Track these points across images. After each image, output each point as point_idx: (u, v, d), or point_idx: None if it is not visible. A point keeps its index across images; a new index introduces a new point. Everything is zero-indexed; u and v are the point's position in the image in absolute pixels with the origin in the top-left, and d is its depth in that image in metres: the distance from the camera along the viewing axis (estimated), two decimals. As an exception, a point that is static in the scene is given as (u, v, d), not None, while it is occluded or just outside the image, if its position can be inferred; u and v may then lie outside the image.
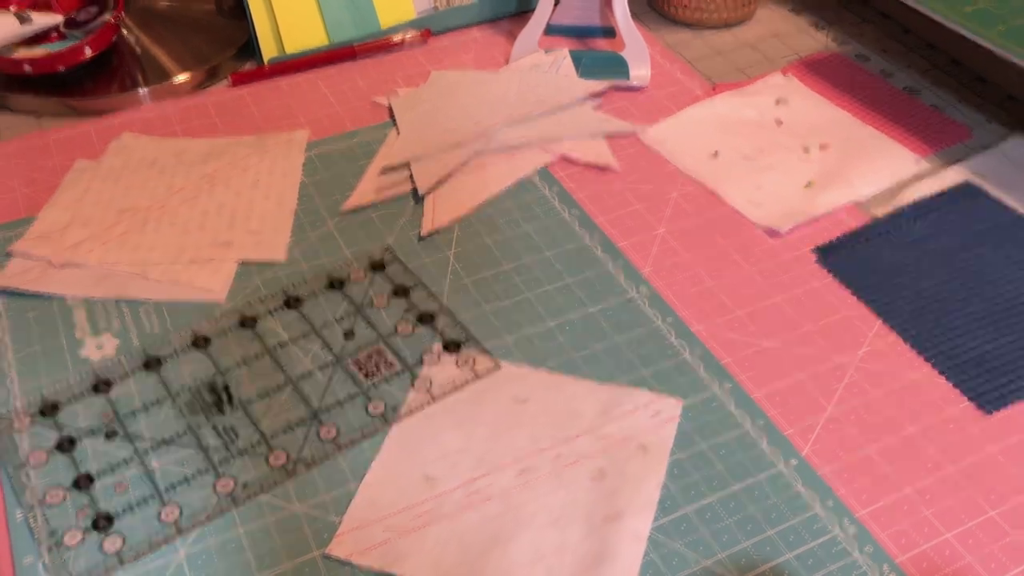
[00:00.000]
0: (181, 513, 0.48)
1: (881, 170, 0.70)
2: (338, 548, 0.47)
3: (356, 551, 0.47)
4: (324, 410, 0.53)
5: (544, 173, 0.70)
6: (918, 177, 0.70)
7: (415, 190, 0.68)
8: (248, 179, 0.68)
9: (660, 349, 0.57)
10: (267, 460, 0.51)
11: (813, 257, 0.64)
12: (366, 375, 0.55)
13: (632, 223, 0.66)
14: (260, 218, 0.65)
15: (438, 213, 0.66)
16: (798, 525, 0.48)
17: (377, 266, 0.61)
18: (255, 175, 0.69)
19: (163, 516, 0.48)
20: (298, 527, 0.48)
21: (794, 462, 0.51)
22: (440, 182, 0.68)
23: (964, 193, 0.68)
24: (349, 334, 0.57)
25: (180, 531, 0.48)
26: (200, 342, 0.57)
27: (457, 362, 0.56)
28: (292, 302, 0.59)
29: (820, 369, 0.56)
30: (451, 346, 0.56)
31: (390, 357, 0.56)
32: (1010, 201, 0.67)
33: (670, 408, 0.54)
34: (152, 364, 0.56)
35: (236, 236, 0.64)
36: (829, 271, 0.63)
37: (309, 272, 0.62)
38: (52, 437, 0.52)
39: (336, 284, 0.60)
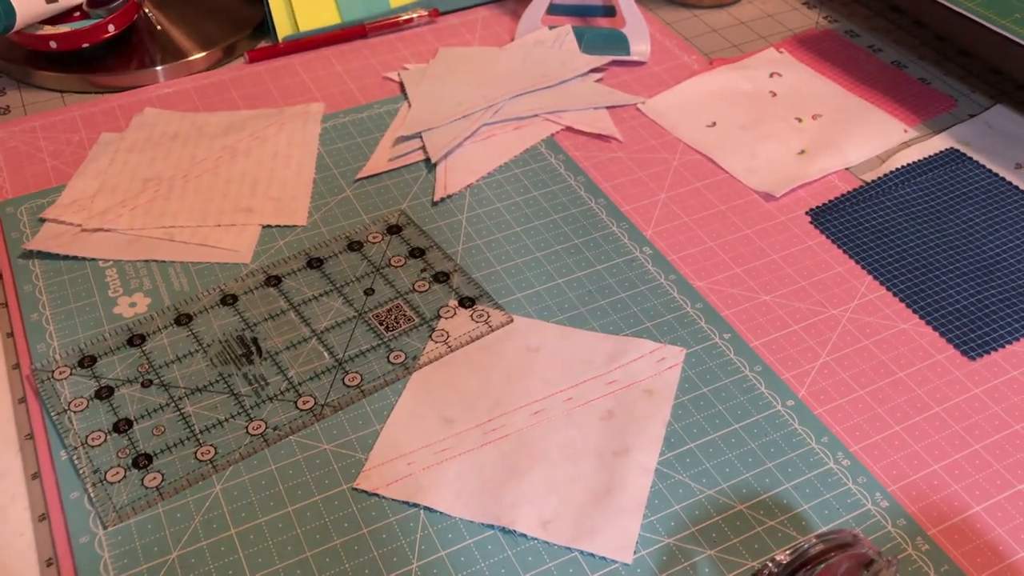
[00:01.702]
0: (216, 452, 0.51)
1: (871, 138, 0.73)
2: (365, 482, 0.50)
3: (382, 484, 0.50)
4: (348, 359, 0.56)
5: (550, 142, 0.73)
6: (906, 144, 0.73)
7: (427, 159, 0.71)
8: (267, 149, 0.71)
9: (663, 303, 0.60)
10: (296, 404, 0.54)
11: (807, 219, 0.67)
12: (386, 328, 0.58)
13: (635, 189, 0.69)
14: (280, 185, 0.68)
15: (450, 180, 0.69)
16: (796, 459, 0.52)
17: (394, 229, 0.64)
18: (274, 146, 0.72)
19: (199, 455, 0.51)
20: (327, 464, 0.51)
21: (791, 403, 0.54)
22: (450, 151, 0.71)
23: (949, 158, 0.72)
24: (369, 291, 0.60)
25: (216, 468, 0.51)
26: (228, 299, 0.60)
27: (472, 316, 0.59)
28: (314, 263, 0.62)
29: (814, 320, 0.60)
30: (466, 302, 0.60)
31: (408, 312, 0.59)
32: (993, 165, 0.71)
33: (673, 356, 0.57)
34: (183, 320, 0.59)
35: (258, 202, 0.67)
36: (822, 231, 0.66)
37: (329, 235, 0.65)
38: (91, 386, 0.55)
39: (355, 246, 0.63)
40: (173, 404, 0.54)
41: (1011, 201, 0.68)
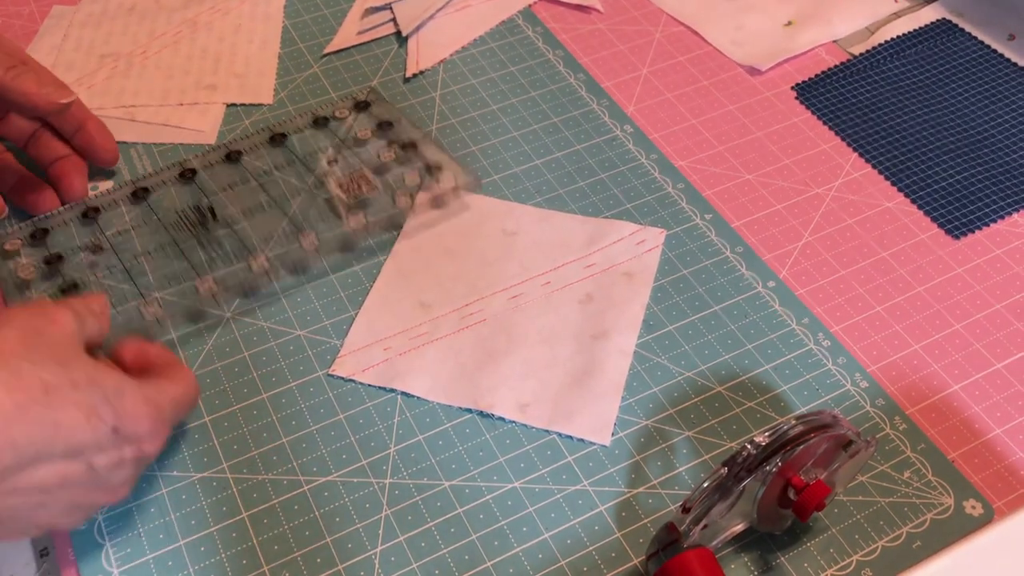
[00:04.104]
0: (161, 308, 0.50)
1: (860, 9, 0.71)
2: (340, 368, 0.49)
3: (357, 370, 0.49)
4: (306, 221, 0.54)
5: (527, 14, 0.70)
6: (896, 15, 0.71)
7: (399, 32, 0.68)
8: (230, 23, 0.68)
9: (644, 184, 0.59)
10: (250, 266, 0.52)
11: (792, 94, 0.65)
12: (350, 195, 0.56)
13: (616, 63, 0.67)
14: (244, 61, 0.65)
15: (422, 55, 0.66)
16: (776, 340, 0.51)
17: (362, 105, 0.62)
18: (236, 19, 0.68)
19: (145, 314, 0.50)
20: (301, 350, 0.50)
21: (772, 284, 0.54)
22: (423, 23, 0.68)
23: (940, 30, 0.69)
24: (332, 162, 0.58)
25: (160, 326, 0.50)
26: (187, 174, 0.57)
27: (438, 179, 0.56)
28: (278, 138, 0.59)
29: (798, 199, 0.58)
30: (434, 169, 0.57)
31: (372, 179, 0.57)
32: (985, 36, 0.69)
33: (653, 238, 0.56)
34: (140, 194, 0.56)
35: (221, 79, 0.64)
36: (808, 107, 0.64)
37: (296, 113, 0.62)
38: (41, 256, 0.53)
39: (321, 121, 0.60)
40: (122, 266, 0.52)
41: (1002, 75, 0.66)
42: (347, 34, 0.67)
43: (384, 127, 0.59)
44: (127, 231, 0.54)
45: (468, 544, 0.44)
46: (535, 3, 0.71)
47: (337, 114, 0.60)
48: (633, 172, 0.59)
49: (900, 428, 0.48)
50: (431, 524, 0.44)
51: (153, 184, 0.57)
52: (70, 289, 0.51)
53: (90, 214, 0.55)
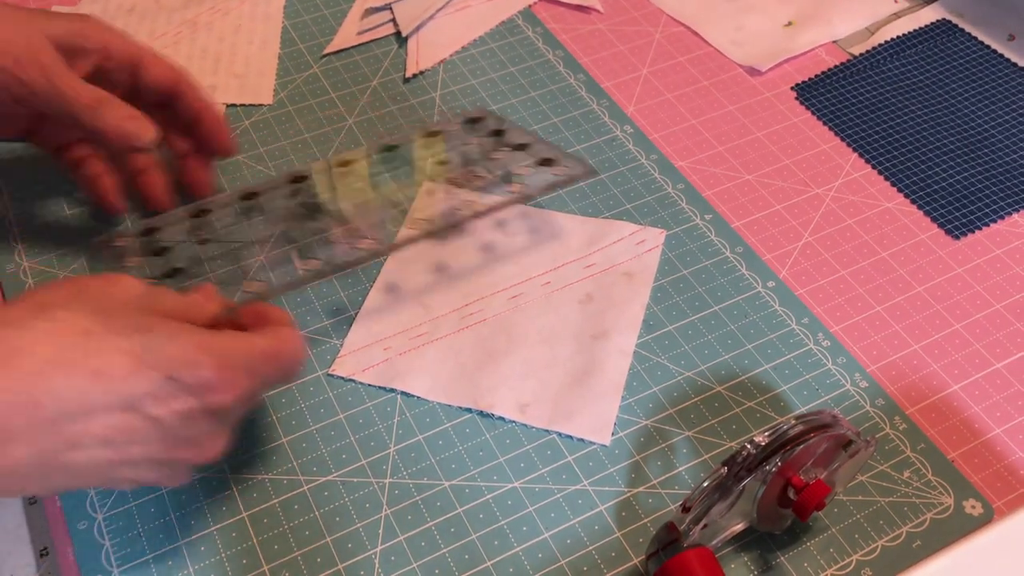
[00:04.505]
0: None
1: (860, 9, 0.71)
2: (340, 367, 0.49)
3: (357, 370, 0.49)
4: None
5: (527, 14, 0.70)
6: (896, 16, 0.71)
7: (398, 32, 0.68)
8: (229, 23, 0.68)
9: (644, 184, 0.59)
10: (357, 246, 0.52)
11: (792, 95, 0.65)
12: (460, 185, 0.56)
13: (616, 64, 0.67)
14: (244, 62, 0.65)
15: (422, 55, 0.66)
16: (776, 340, 0.51)
17: (473, 121, 0.60)
18: (236, 19, 0.68)
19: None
20: (301, 350, 0.50)
21: (772, 284, 0.54)
22: (423, 23, 0.68)
23: (940, 30, 0.69)
24: (442, 163, 0.58)
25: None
26: (298, 179, 0.55)
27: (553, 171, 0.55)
28: (390, 149, 0.59)
29: (798, 200, 0.58)
30: (547, 162, 0.55)
31: (483, 172, 0.56)
32: (985, 37, 0.69)
33: (653, 238, 0.56)
34: (250, 197, 0.54)
35: (221, 80, 0.64)
36: (807, 107, 0.64)
37: (296, 115, 0.62)
38: (149, 249, 0.53)
39: (433, 135, 0.59)
40: (231, 253, 0.53)
41: (1002, 75, 0.66)
42: (347, 34, 0.67)
43: (495, 134, 0.59)
44: (236, 224, 0.54)
45: (468, 544, 0.44)
46: (535, 3, 0.71)
47: (449, 127, 0.60)
48: (633, 172, 0.59)
49: (900, 428, 0.48)
50: (431, 524, 0.44)
51: (263, 188, 0.55)
52: (173, 274, 0.51)
53: (199, 214, 0.54)
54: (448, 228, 0.54)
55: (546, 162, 0.55)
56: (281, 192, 0.55)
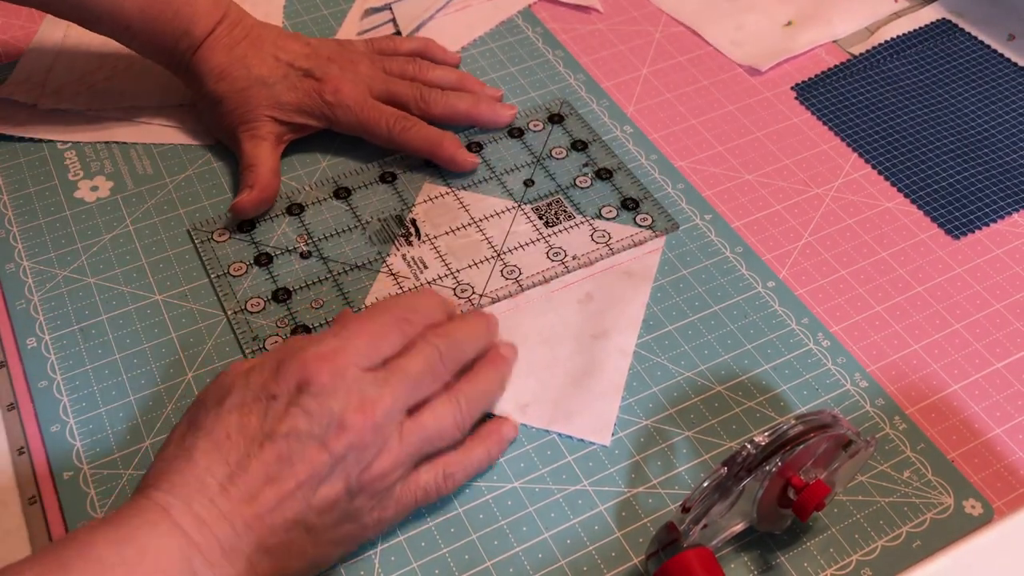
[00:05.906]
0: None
1: (860, 9, 0.71)
2: (340, 368, 0.49)
3: (358, 370, 0.49)
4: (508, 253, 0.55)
5: (527, 14, 0.70)
6: (896, 15, 0.71)
7: (398, 32, 0.68)
8: (229, 23, 0.68)
9: (644, 184, 0.59)
10: (454, 292, 0.53)
11: (792, 94, 0.65)
12: (543, 218, 0.56)
13: (616, 64, 0.67)
14: (244, 61, 0.65)
15: (422, 55, 0.66)
16: (775, 340, 0.51)
17: (556, 119, 0.62)
18: (236, 19, 0.68)
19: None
20: (301, 350, 0.50)
21: (772, 284, 0.54)
22: (423, 23, 0.68)
23: (940, 30, 0.69)
24: (529, 182, 0.58)
25: None
26: (387, 177, 0.59)
27: (635, 218, 0.57)
28: (473, 147, 0.61)
29: (798, 200, 0.58)
30: (631, 204, 0.57)
31: (569, 207, 0.57)
32: (985, 36, 0.69)
33: (653, 238, 0.56)
34: (342, 193, 0.57)
35: (221, 80, 0.64)
36: (807, 107, 0.64)
37: (297, 114, 0.62)
38: (251, 252, 0.54)
39: (515, 133, 0.61)
40: (332, 279, 0.53)
41: (1002, 75, 0.66)
42: (347, 34, 0.67)
43: (578, 146, 0.60)
44: (333, 235, 0.55)
45: (468, 544, 0.44)
46: (535, 3, 0.71)
47: (532, 126, 0.61)
48: (634, 172, 0.59)
49: (900, 428, 0.48)
50: (431, 524, 0.44)
51: (354, 184, 0.58)
52: (282, 296, 0.52)
53: (294, 211, 0.56)
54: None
55: (631, 203, 0.56)
56: (373, 191, 0.57)
